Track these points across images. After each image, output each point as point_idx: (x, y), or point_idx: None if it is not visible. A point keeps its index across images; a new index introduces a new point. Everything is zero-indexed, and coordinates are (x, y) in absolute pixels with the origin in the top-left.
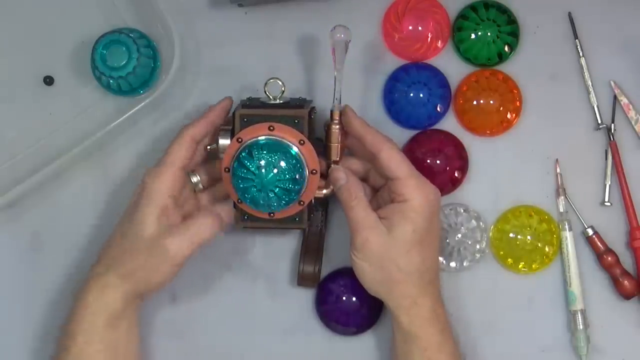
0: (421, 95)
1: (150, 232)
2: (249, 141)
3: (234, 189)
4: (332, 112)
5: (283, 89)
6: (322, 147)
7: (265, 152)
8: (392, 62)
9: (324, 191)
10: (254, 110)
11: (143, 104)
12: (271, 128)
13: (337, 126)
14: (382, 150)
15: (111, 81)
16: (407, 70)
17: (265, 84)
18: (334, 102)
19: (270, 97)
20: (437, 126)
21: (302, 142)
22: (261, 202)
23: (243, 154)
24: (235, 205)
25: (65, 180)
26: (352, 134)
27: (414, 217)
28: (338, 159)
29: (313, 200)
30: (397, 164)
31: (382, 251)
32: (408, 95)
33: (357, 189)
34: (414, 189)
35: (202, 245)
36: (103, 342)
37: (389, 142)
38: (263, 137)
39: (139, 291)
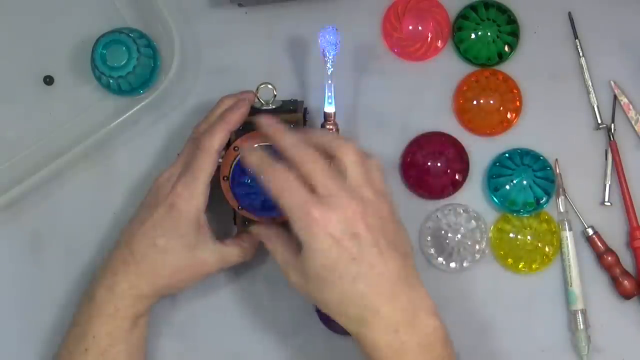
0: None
1: (188, 245)
2: None
3: (234, 197)
4: (325, 113)
5: (275, 93)
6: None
7: None
8: (392, 62)
9: None
10: (248, 117)
11: (143, 104)
12: None
13: (332, 127)
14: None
15: (111, 81)
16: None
17: (257, 89)
18: (325, 103)
19: (263, 102)
20: (437, 126)
21: None
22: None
23: (241, 163)
24: (235, 212)
25: (65, 180)
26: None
27: None
28: None
29: None
30: None
31: None
32: None
33: None
34: None
35: (229, 266)
36: (127, 342)
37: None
38: (259, 145)
39: (163, 295)
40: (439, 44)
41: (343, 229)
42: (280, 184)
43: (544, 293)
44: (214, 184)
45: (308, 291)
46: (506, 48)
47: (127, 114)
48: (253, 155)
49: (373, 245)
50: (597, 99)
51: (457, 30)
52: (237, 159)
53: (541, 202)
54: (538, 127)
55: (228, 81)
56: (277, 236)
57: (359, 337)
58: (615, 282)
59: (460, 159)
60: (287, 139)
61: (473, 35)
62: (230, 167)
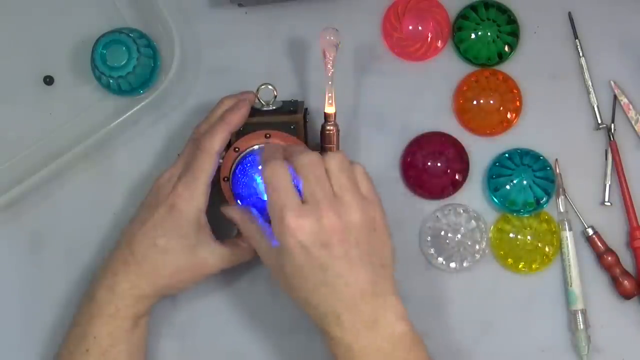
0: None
1: (189, 245)
2: (246, 150)
3: (234, 197)
4: (326, 114)
5: (275, 93)
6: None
7: None
8: (392, 62)
9: None
10: (248, 118)
11: (143, 104)
12: (267, 136)
13: (332, 127)
14: None
15: (111, 81)
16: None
17: (257, 90)
18: (325, 103)
19: (263, 102)
20: (437, 126)
21: None
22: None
23: (241, 164)
24: None
25: (65, 180)
26: None
27: None
28: None
29: None
30: None
31: None
32: None
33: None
34: None
35: (230, 266)
36: (127, 342)
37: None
38: (259, 146)
39: (163, 295)
40: (439, 44)
41: (314, 239)
42: (273, 181)
43: (544, 293)
44: (214, 184)
45: (280, 279)
46: (506, 48)
47: (127, 114)
48: (269, 149)
49: (342, 256)
50: (597, 99)
51: (457, 30)
52: (237, 159)
53: (541, 202)
54: (538, 127)
55: (228, 81)
56: (252, 221)
57: (322, 335)
58: (615, 282)
59: (460, 159)
60: (295, 148)
61: (473, 35)
62: (231, 168)
